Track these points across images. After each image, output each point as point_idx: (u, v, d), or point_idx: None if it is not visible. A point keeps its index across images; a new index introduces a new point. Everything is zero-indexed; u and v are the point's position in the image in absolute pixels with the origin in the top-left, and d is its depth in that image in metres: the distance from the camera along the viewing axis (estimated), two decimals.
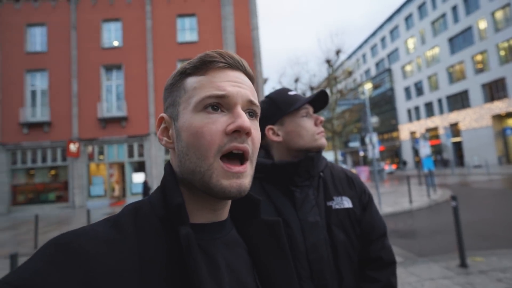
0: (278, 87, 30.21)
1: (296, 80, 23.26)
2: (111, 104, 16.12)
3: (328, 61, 21.11)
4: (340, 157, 28.91)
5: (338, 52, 20.72)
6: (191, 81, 0.48)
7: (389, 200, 10.81)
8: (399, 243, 5.66)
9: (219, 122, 0.45)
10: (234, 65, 0.49)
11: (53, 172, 16.03)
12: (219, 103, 0.46)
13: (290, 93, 1.04)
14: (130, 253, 0.40)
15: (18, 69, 15.81)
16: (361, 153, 27.44)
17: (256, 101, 0.50)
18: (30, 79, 16.09)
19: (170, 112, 0.50)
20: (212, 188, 0.44)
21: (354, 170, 27.78)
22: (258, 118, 0.52)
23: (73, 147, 14.86)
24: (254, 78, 0.53)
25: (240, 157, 0.46)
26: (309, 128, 0.99)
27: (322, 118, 1.02)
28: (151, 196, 0.50)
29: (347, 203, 1.01)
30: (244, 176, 0.46)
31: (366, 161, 32.93)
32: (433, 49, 33.38)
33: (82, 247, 0.37)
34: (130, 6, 16.64)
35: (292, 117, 1.00)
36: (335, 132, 19.48)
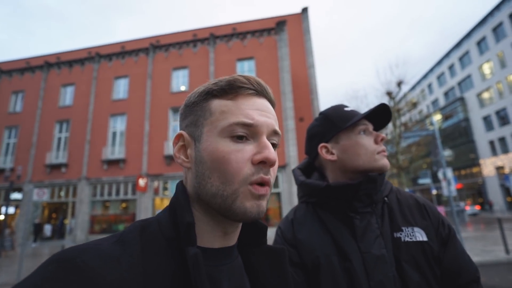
0: None
1: None
2: None
3: (389, 93, 20.13)
4: None
5: (399, 84, 19.69)
6: (218, 104, 0.48)
7: (476, 248, 9.05)
8: None
9: (245, 151, 0.45)
10: (261, 92, 0.50)
11: (124, 204, 17.68)
12: (246, 132, 0.46)
13: (347, 108, 0.93)
14: (135, 271, 0.39)
15: (105, 114, 18.62)
16: (434, 191, 24.24)
17: (279, 130, 0.50)
18: (113, 122, 18.71)
19: (190, 131, 0.50)
20: (234, 210, 0.44)
21: None
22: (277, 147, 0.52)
23: (142, 182, 16.31)
24: (275, 104, 0.54)
25: (261, 184, 0.46)
26: (368, 146, 0.86)
27: (383, 135, 0.87)
28: (158, 215, 0.49)
29: (420, 235, 0.81)
30: (264, 199, 0.46)
31: (441, 200, 28.88)
32: None
33: (85, 263, 0.36)
34: (196, 55, 18.70)
35: (349, 134, 0.89)
36: (401, 168, 17.80)
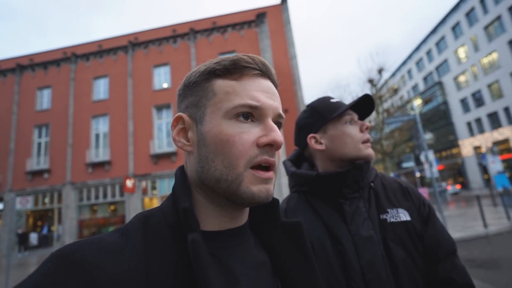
0: None
1: None
2: (161, 141, 17.35)
3: (370, 81, 20.50)
4: None
5: (380, 71, 20.08)
6: (222, 84, 0.46)
7: (457, 225, 9.50)
8: (478, 275, 4.81)
9: (251, 132, 0.44)
10: (266, 73, 0.48)
11: (112, 207, 17.38)
12: (251, 113, 0.45)
13: (332, 100, 0.98)
14: (137, 262, 0.38)
15: (86, 116, 18.07)
16: (417, 174, 25.12)
17: (283, 114, 0.49)
18: (95, 124, 18.20)
19: (191, 112, 0.47)
20: (241, 195, 0.43)
21: None
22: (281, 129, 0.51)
23: (129, 183, 16.04)
24: (278, 85, 0.53)
25: (266, 168, 0.45)
26: (353, 135, 0.92)
27: (368, 124, 0.93)
28: (162, 204, 0.48)
29: (404, 215, 0.88)
30: (271, 182, 0.45)
31: (424, 182, 30.00)
32: (491, 55, 30.54)
33: (84, 257, 0.35)
34: (177, 50, 18.37)
35: (335, 124, 0.94)
36: (386, 153, 18.29)
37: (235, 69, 0.46)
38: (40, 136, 18.58)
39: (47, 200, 17.63)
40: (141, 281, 0.36)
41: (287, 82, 18.61)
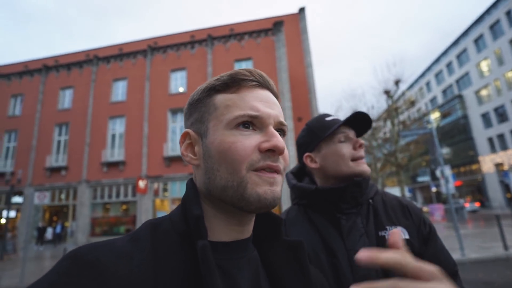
0: None
1: None
2: (175, 144, 17.63)
3: (386, 92, 20.18)
4: (407, 193, 26.00)
5: (397, 82, 19.75)
6: (222, 98, 0.48)
7: (474, 245, 9.11)
8: None
9: (252, 138, 0.45)
10: (264, 84, 0.50)
11: (124, 206, 17.71)
12: (252, 122, 0.46)
13: (328, 118, 0.99)
14: (146, 266, 0.39)
15: (104, 116, 18.66)
16: (433, 189, 24.32)
17: (285, 122, 0.50)
18: (112, 124, 18.74)
19: (196, 128, 0.50)
20: (247, 198, 0.43)
21: (426, 209, 24.55)
22: (286, 137, 0.52)
23: (141, 183, 16.33)
24: (279, 96, 0.54)
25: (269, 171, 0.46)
26: (344, 153, 0.92)
27: (362, 141, 0.93)
28: (171, 213, 0.50)
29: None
30: (276, 184, 0.45)
31: (440, 198, 28.96)
32: None
33: (97, 259, 0.37)
34: (194, 56, 18.75)
35: (328, 143, 0.95)
36: (400, 166, 17.86)
37: (233, 83, 0.48)
38: (60, 134, 19.30)
39: (63, 196, 18.21)
40: (149, 284, 0.38)
41: (301, 90, 18.60)
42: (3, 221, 16.27)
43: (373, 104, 21.79)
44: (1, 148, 19.63)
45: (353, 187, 0.90)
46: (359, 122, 0.97)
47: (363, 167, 0.92)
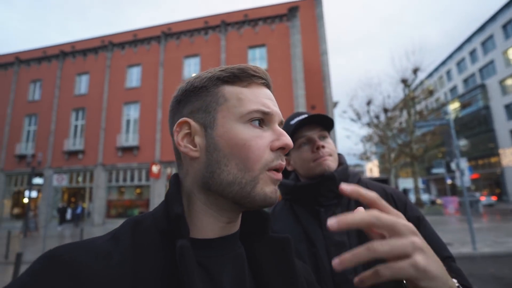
0: (348, 110, 29.06)
1: (369, 103, 22.03)
2: None
3: (404, 81, 19.55)
4: (421, 185, 25.42)
5: (415, 71, 19.07)
6: (233, 90, 0.47)
7: (488, 239, 8.92)
8: None
9: (264, 137, 0.46)
10: (269, 84, 0.52)
11: (138, 190, 18.27)
12: (262, 119, 0.47)
13: (292, 121, 0.99)
14: (125, 266, 0.38)
15: (118, 102, 19.02)
16: (448, 181, 23.73)
17: (283, 120, 0.53)
18: (126, 110, 19.10)
19: (198, 117, 0.47)
20: (253, 196, 0.44)
21: (439, 201, 24.07)
22: None
23: (155, 168, 16.73)
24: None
25: (277, 171, 0.48)
26: (305, 157, 0.97)
27: (320, 142, 0.95)
28: (154, 209, 0.49)
29: None
30: (278, 184, 0.48)
31: (455, 191, 28.30)
32: None
33: (74, 259, 0.36)
34: (207, 42, 18.64)
35: (293, 148, 0.99)
36: (415, 157, 17.48)
37: (244, 77, 0.48)
38: (77, 119, 19.86)
39: (80, 179, 18.92)
40: (127, 284, 0.37)
41: (316, 78, 18.25)
42: (26, 200, 17.11)
43: (389, 94, 21.15)
44: (22, 132, 20.40)
45: (325, 181, 0.93)
46: (323, 117, 0.97)
47: (323, 165, 0.94)
